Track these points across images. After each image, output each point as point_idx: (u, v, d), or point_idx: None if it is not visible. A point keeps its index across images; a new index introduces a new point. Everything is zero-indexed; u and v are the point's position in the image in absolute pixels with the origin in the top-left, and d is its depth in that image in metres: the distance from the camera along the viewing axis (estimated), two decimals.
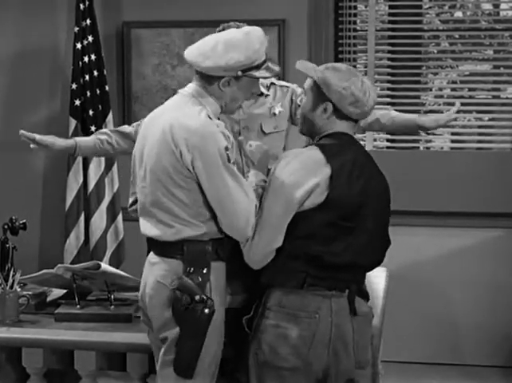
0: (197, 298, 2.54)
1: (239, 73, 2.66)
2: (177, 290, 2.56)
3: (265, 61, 2.71)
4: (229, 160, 2.59)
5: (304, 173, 2.52)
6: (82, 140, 3.57)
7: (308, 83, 2.68)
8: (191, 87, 2.72)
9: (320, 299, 2.54)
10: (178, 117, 2.64)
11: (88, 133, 4.65)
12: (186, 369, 2.59)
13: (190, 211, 2.62)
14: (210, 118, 2.64)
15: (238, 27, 3.32)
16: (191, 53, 2.69)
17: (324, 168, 2.52)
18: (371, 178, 2.60)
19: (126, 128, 3.51)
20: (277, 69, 2.77)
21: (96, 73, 4.98)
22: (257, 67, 2.68)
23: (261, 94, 3.49)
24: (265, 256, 2.55)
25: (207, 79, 2.68)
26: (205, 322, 2.55)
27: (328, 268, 2.54)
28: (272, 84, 3.52)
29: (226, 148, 2.59)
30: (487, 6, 5.27)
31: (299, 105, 3.49)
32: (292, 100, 3.51)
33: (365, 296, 2.67)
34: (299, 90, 3.54)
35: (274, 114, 3.47)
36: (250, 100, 3.44)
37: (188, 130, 2.59)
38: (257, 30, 2.71)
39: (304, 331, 2.53)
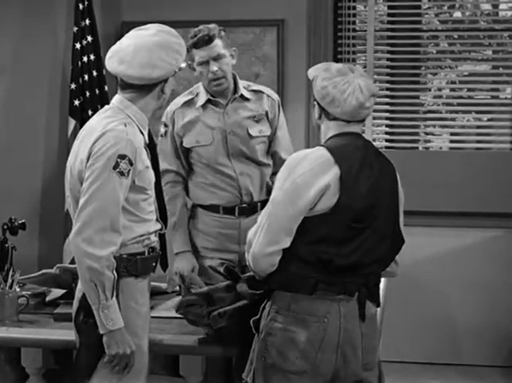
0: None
1: (177, 69, 2.71)
2: (80, 304, 2.67)
3: None
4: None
5: (313, 174, 2.50)
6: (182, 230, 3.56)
7: None
8: (117, 100, 2.72)
9: (329, 303, 2.53)
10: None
11: None
12: (82, 375, 2.68)
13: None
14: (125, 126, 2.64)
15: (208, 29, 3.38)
16: (134, 70, 2.65)
17: (333, 169, 2.50)
18: (380, 176, 2.58)
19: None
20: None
21: (95, 73, 4.99)
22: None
23: (242, 97, 3.51)
24: (267, 256, 2.52)
25: (148, 88, 2.69)
26: (98, 340, 2.62)
27: (339, 272, 2.52)
28: (260, 91, 3.56)
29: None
30: (486, 7, 5.27)
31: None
32: (277, 113, 3.57)
33: (375, 300, 2.65)
34: (281, 109, 3.61)
35: (257, 121, 3.50)
36: (229, 103, 3.48)
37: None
38: (168, 28, 2.75)
39: (312, 335, 2.51)
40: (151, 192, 2.73)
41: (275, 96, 3.62)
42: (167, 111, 3.56)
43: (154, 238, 2.77)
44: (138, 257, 2.70)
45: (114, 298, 2.59)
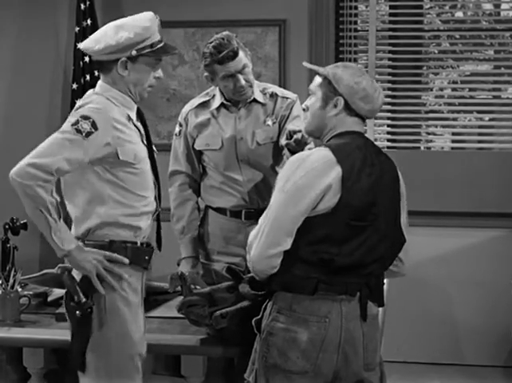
0: (75, 299, 2.64)
1: (133, 52, 2.68)
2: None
3: (160, 41, 2.73)
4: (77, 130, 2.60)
5: (315, 175, 2.49)
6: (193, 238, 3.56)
7: (316, 81, 2.64)
8: (98, 85, 2.77)
9: (330, 303, 2.52)
10: None
11: None
12: (74, 363, 2.69)
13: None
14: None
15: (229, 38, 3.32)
16: (84, 42, 2.74)
17: (335, 169, 2.49)
18: (381, 175, 2.58)
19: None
20: (175, 50, 2.81)
21: (96, 73, 4.99)
22: (152, 46, 2.71)
23: (255, 101, 3.46)
24: (268, 258, 2.51)
25: (105, 66, 2.71)
26: (78, 323, 2.64)
27: (340, 271, 2.51)
28: (275, 94, 3.50)
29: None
30: (488, 6, 5.27)
31: (287, 117, 3.46)
32: (287, 112, 3.45)
33: (377, 300, 2.64)
34: (296, 106, 3.46)
35: (268, 125, 3.45)
36: (242, 108, 3.44)
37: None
38: (146, 13, 2.75)
39: (314, 335, 2.51)
40: (141, 166, 2.73)
41: (290, 95, 3.50)
42: (183, 111, 3.55)
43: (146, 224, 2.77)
44: (128, 245, 2.71)
45: (62, 221, 2.60)
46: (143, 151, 2.75)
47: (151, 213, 2.79)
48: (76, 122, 2.60)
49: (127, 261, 2.69)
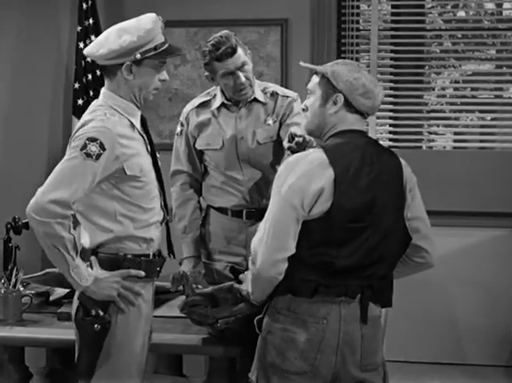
0: (92, 312, 2.64)
1: (138, 55, 2.65)
2: (79, 302, 2.68)
3: (164, 43, 2.71)
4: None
5: (308, 178, 2.47)
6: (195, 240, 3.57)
7: (314, 80, 2.63)
8: (101, 93, 2.74)
9: (329, 305, 2.51)
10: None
11: None
12: (83, 373, 2.69)
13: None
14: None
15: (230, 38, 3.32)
16: (88, 47, 2.72)
17: (328, 171, 2.48)
18: (381, 173, 2.56)
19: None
20: (180, 50, 2.78)
21: (98, 73, 4.99)
22: (156, 48, 2.68)
23: (256, 100, 3.46)
24: (275, 263, 2.48)
25: (110, 71, 2.69)
26: (95, 337, 2.64)
27: (339, 274, 2.50)
28: (275, 93, 3.49)
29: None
30: (490, 6, 5.27)
31: (288, 115, 3.46)
32: (288, 111, 3.45)
33: (381, 301, 2.62)
34: (297, 104, 3.44)
35: (269, 125, 3.45)
36: (243, 107, 3.44)
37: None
38: (149, 14, 2.73)
39: (312, 336, 2.50)
40: (147, 179, 2.71)
41: (291, 94, 3.50)
42: (184, 110, 3.55)
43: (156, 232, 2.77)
44: (142, 258, 2.71)
45: (79, 257, 2.60)
46: (147, 162, 2.73)
47: (159, 222, 2.79)
48: (84, 146, 2.56)
49: (143, 274, 2.70)
